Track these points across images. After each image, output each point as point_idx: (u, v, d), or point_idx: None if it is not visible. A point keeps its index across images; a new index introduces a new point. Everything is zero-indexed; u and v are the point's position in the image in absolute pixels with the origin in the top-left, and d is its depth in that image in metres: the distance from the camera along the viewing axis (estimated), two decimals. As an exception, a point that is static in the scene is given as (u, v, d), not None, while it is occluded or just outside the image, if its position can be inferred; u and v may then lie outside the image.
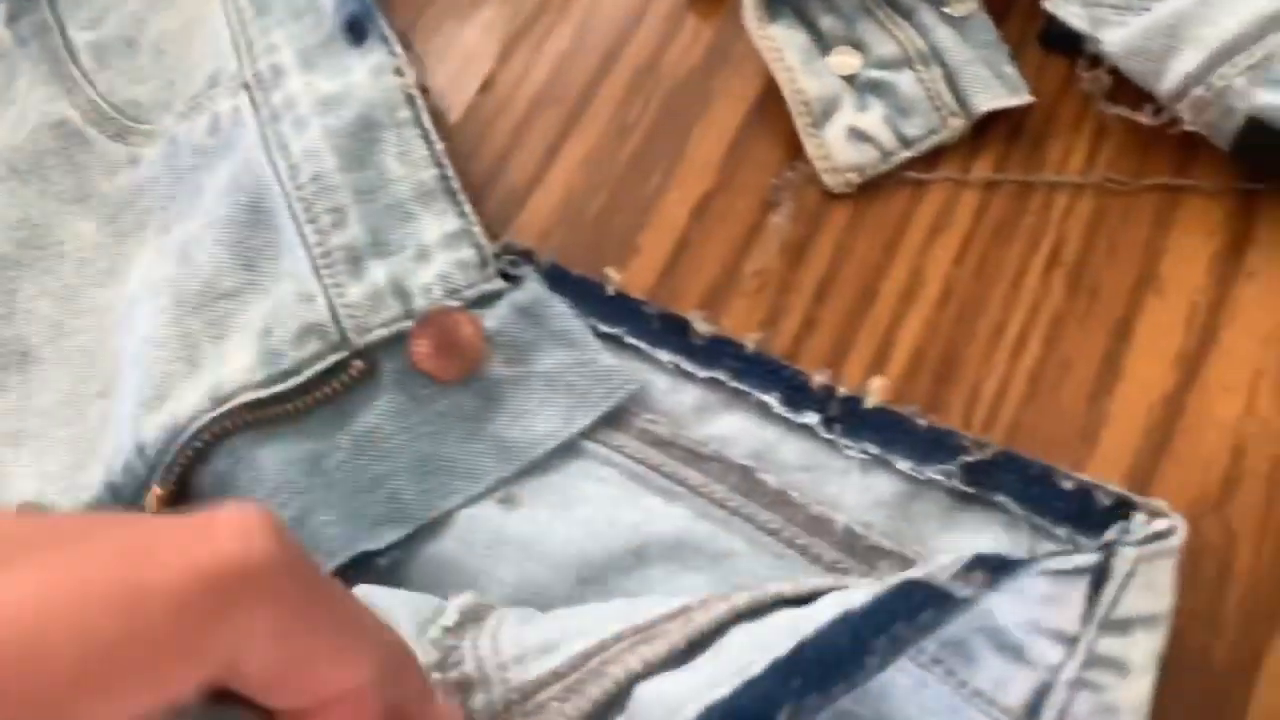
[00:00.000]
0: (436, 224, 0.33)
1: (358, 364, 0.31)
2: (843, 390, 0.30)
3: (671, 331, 0.32)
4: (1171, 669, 0.28)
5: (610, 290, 0.32)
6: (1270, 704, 0.27)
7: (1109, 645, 0.23)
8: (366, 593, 0.26)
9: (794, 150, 0.34)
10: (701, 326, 0.31)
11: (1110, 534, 0.24)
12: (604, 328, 0.32)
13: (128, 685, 0.16)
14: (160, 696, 0.16)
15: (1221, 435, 0.30)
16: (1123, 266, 0.32)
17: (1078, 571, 0.24)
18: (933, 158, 0.34)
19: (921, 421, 0.29)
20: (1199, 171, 0.32)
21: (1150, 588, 0.23)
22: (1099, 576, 0.24)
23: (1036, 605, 0.23)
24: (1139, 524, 0.26)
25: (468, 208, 0.33)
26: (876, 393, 0.30)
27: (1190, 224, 0.32)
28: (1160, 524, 0.25)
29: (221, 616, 0.17)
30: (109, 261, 0.36)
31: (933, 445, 0.29)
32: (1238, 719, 0.27)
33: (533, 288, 0.32)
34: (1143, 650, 0.23)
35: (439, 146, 0.34)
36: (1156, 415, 0.30)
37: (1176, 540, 0.24)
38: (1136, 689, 0.22)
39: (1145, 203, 0.32)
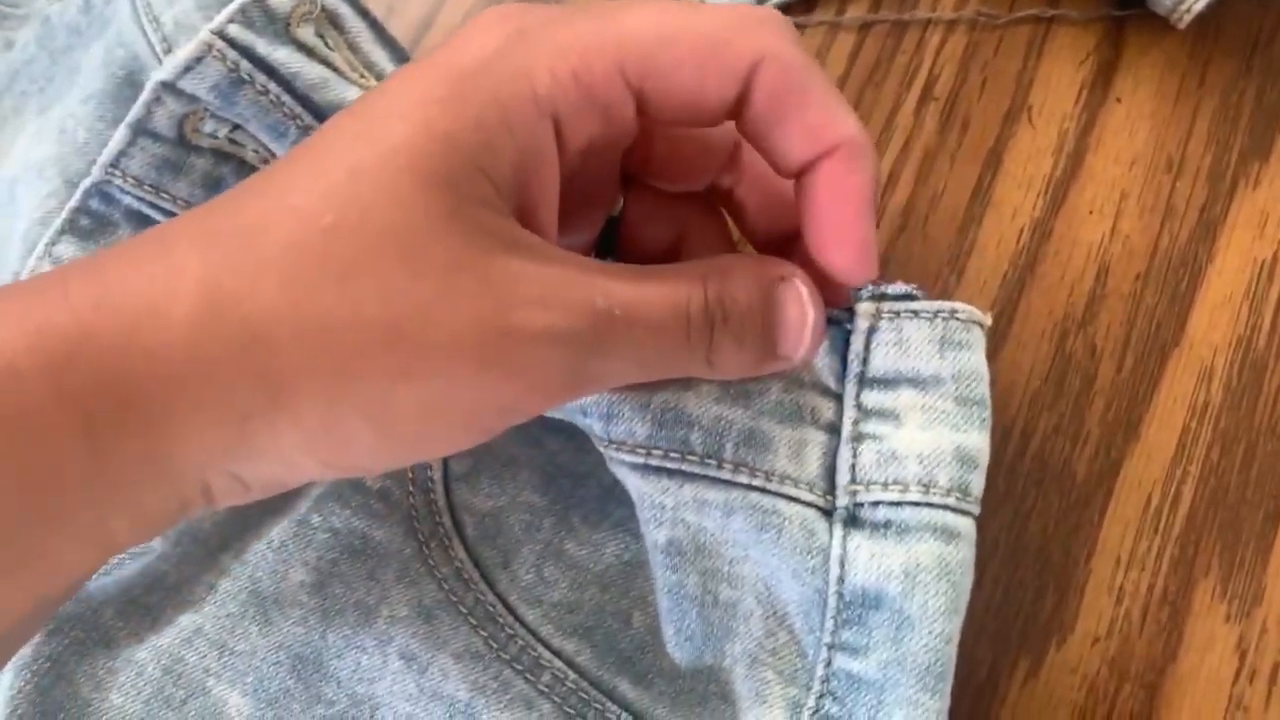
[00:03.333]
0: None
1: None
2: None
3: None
4: (1035, 479, 0.28)
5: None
6: (1124, 513, 0.28)
7: (873, 398, 0.23)
8: None
9: None
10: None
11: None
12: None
13: None
14: None
15: (1088, 257, 0.30)
16: (994, 98, 0.32)
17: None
18: (810, 2, 0.33)
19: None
20: (1069, 1, 0.32)
21: (900, 346, 0.23)
22: (845, 340, 0.24)
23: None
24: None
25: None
26: None
27: (1060, 54, 0.32)
28: (900, 287, 0.24)
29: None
30: (-12, 147, 0.35)
31: None
32: (1095, 527, 0.28)
33: None
34: (910, 405, 0.23)
35: (314, 8, 0.33)
36: (1025, 241, 0.30)
37: (926, 305, 0.23)
38: (913, 437, 0.23)
39: (1017, 35, 0.32)
